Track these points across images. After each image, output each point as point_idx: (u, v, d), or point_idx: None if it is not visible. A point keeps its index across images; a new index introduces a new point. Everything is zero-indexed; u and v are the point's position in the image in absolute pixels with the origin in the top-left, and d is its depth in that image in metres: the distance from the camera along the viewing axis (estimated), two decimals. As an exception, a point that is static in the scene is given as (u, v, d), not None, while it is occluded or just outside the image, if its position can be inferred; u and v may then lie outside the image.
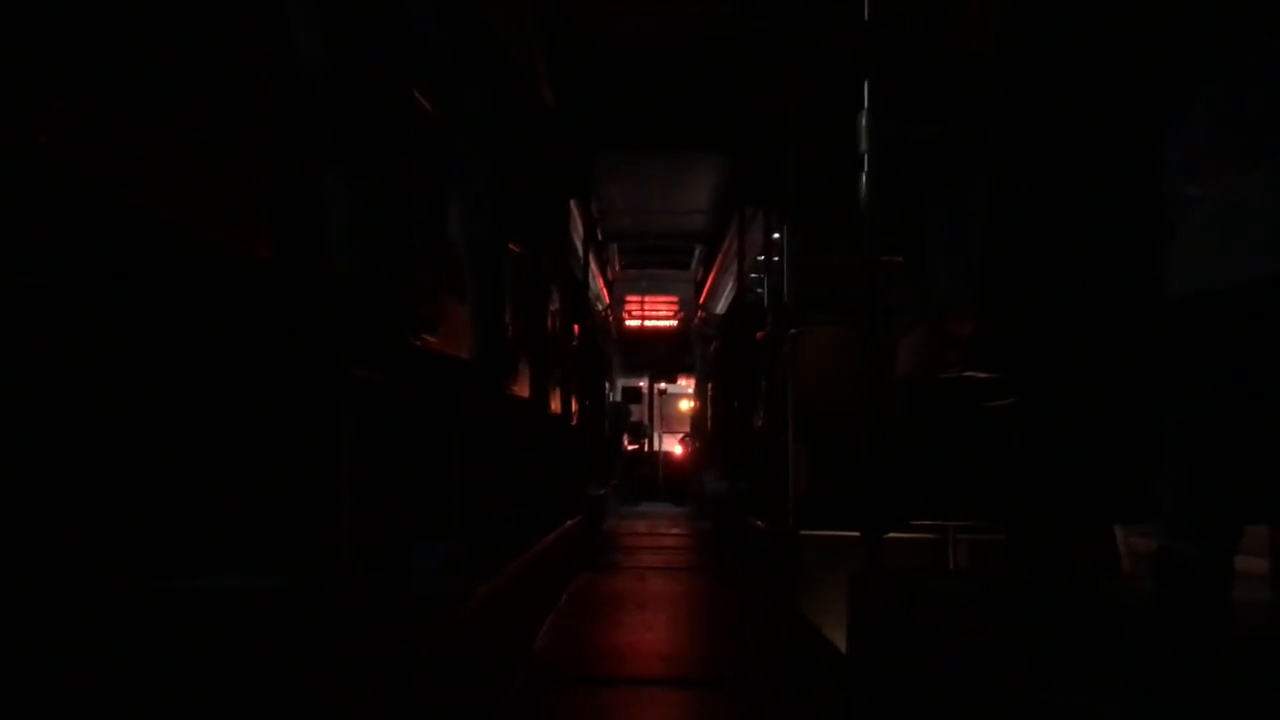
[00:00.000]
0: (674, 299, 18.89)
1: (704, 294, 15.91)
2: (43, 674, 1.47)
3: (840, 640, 3.61)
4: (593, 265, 11.35)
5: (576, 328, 7.33)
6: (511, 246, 4.08)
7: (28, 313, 1.44)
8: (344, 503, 2.28)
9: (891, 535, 3.48)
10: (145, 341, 1.80)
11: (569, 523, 5.56)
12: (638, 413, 18.80)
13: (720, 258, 13.19)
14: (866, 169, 3.42)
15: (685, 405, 19.39)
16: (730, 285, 13.04)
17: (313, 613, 2.12)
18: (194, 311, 1.88)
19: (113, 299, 1.62)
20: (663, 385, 20.07)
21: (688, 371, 18.78)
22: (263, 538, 2.75)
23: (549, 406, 5.11)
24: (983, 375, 2.78)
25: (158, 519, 2.07)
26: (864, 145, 3.43)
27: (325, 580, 2.18)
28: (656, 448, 19.01)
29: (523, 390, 4.30)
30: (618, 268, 16.70)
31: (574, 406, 6.70)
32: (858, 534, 3.36)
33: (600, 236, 13.07)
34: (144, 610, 2.12)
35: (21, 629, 1.52)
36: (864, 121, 3.44)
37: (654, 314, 19.36)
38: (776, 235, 6.56)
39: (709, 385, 11.83)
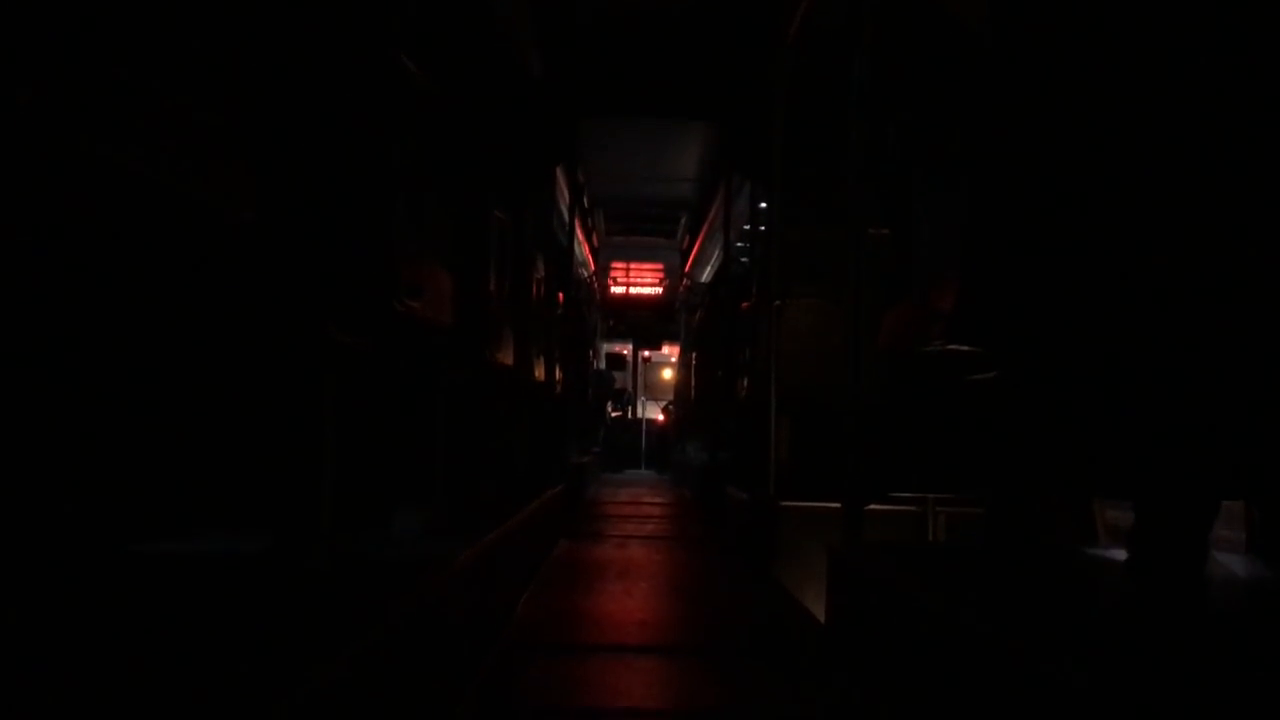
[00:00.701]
0: (659, 266, 18.87)
1: (689, 262, 15.89)
2: (25, 636, 1.47)
3: (819, 610, 3.64)
4: (578, 232, 11.31)
5: (561, 295, 7.31)
6: (496, 213, 4.06)
7: (8, 276, 1.43)
8: (327, 467, 2.27)
9: (872, 507, 3.50)
10: (129, 305, 1.79)
11: (551, 491, 5.58)
12: (621, 380, 18.82)
13: (706, 226, 13.17)
14: (854, 139, 3.41)
15: (669, 373, 19.40)
16: (716, 254, 13.03)
17: (295, 576, 2.13)
18: (178, 275, 1.87)
19: (96, 261, 1.61)
20: (647, 353, 20.09)
21: (672, 339, 18.78)
22: (246, 501, 2.75)
23: (533, 374, 5.11)
24: (965, 349, 2.79)
25: (141, 482, 2.06)
26: (852, 115, 3.42)
27: (308, 544, 2.18)
28: (640, 415, 19.04)
29: (506, 358, 4.30)
30: (604, 234, 16.67)
31: (558, 374, 6.70)
32: (838, 505, 3.38)
33: (586, 203, 13.02)
34: (128, 572, 2.13)
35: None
36: (853, 92, 3.43)
37: (639, 281, 19.34)
38: (763, 205, 6.54)
39: (693, 354, 11.83)
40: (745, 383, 6.47)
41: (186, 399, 2.18)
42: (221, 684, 1.32)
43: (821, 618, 3.56)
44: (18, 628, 1.54)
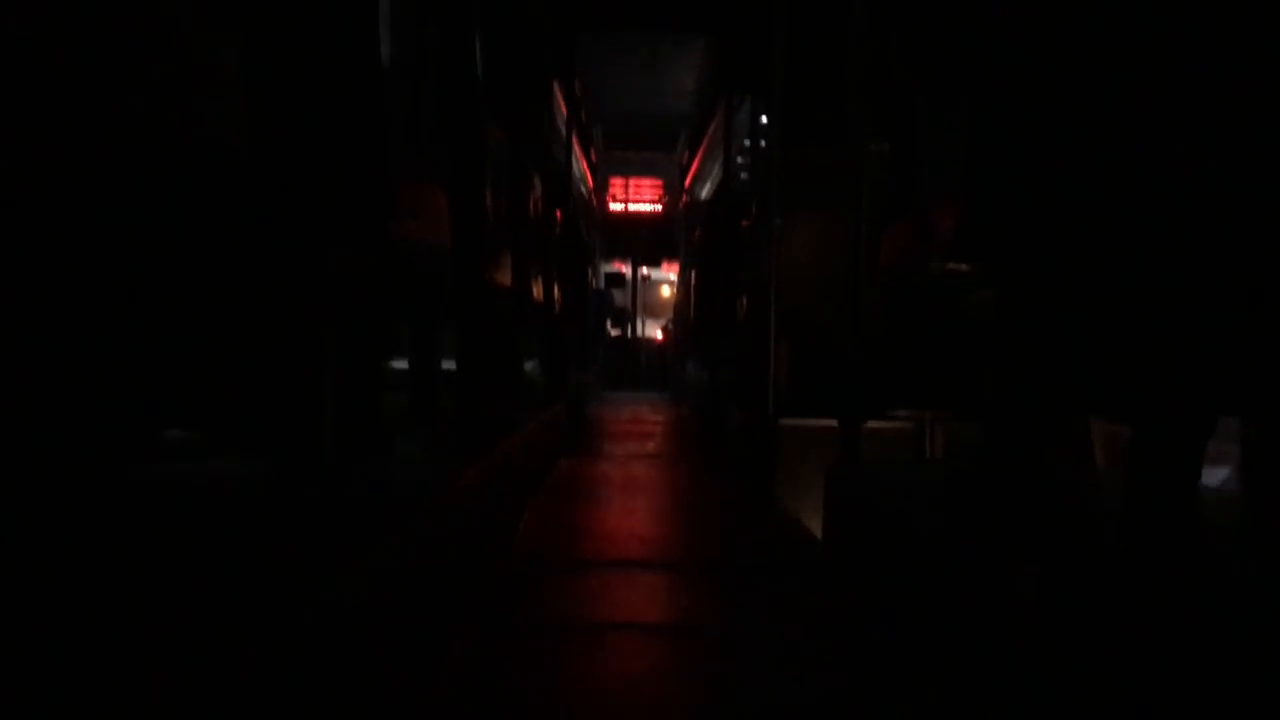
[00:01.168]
0: (659, 182, 18.72)
1: (689, 178, 15.74)
2: (19, 562, 1.49)
3: (817, 527, 3.69)
4: (576, 148, 11.17)
5: (559, 213, 7.26)
6: (492, 130, 4.01)
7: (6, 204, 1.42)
8: (327, 390, 2.28)
9: (870, 424, 3.52)
10: (127, 230, 1.77)
11: (551, 409, 5.61)
12: (620, 299, 18.79)
13: (706, 142, 13.01)
14: (855, 54, 3.35)
15: (668, 292, 19.37)
16: (716, 169, 12.88)
17: (298, 499, 2.15)
18: (174, 200, 1.85)
19: (93, 190, 1.59)
20: (646, 271, 20.01)
21: (672, 257, 18.70)
22: (248, 425, 2.75)
23: (531, 294, 5.10)
24: (964, 267, 2.78)
25: (140, 406, 2.07)
26: (854, 29, 3.36)
27: (309, 468, 2.20)
28: (639, 334, 19.07)
29: (504, 278, 4.28)
30: (602, 149, 16.49)
31: (556, 294, 6.69)
32: (836, 423, 3.40)
33: (584, 118, 12.85)
34: (127, 496, 2.15)
35: None
36: (855, 5, 3.36)
37: (638, 198, 19.20)
38: (764, 120, 6.46)
39: (692, 272, 11.80)
40: (745, 301, 6.46)
41: (185, 323, 2.18)
42: (219, 604, 1.34)
43: (819, 534, 3.61)
44: (25, 549, 1.56)
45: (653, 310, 19.62)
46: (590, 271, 14.34)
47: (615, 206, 19.15)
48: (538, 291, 5.52)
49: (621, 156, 17.67)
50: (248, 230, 2.05)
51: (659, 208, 19.07)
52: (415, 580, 2.04)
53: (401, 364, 3.73)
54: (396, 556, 1.86)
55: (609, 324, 17.11)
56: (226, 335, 2.25)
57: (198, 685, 1.04)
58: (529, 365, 5.76)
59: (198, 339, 2.13)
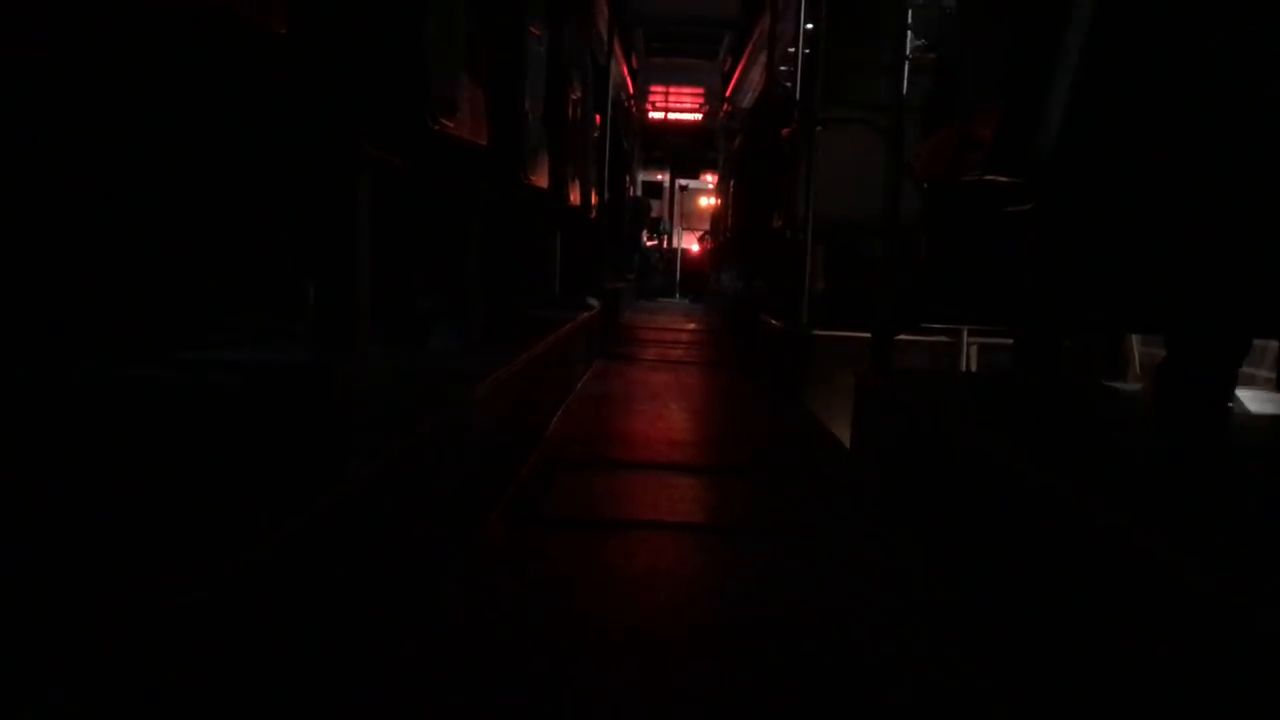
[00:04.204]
0: (699, 90, 18.39)
1: (731, 86, 15.46)
2: (53, 441, 1.54)
3: (846, 436, 3.73)
4: (617, 51, 10.97)
5: (598, 118, 7.18)
6: (532, 30, 3.95)
7: (36, 85, 1.43)
8: (363, 281, 2.31)
9: (905, 336, 3.53)
10: (163, 116, 1.79)
11: (586, 313, 5.63)
12: (657, 208, 18.66)
13: (749, 47, 12.75)
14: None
15: (705, 202, 19.20)
16: (759, 77, 12.63)
17: (335, 385, 2.20)
18: (210, 87, 1.87)
19: (127, 72, 1.61)
20: (684, 181, 19.82)
21: (710, 167, 18.48)
22: (286, 312, 2.79)
23: (568, 198, 5.08)
24: (1003, 179, 2.74)
25: (180, 293, 2.11)
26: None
27: (344, 356, 2.24)
28: (675, 244, 18.98)
29: (541, 180, 4.27)
30: (643, 54, 16.20)
31: (593, 199, 6.66)
32: (869, 335, 3.41)
33: (626, 21, 12.61)
34: (172, 380, 2.21)
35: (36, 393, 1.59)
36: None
37: (678, 106, 18.89)
38: (810, 26, 6.32)
39: (731, 182, 11.67)
40: (782, 211, 6.41)
41: (223, 212, 2.20)
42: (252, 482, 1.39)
43: (848, 443, 3.64)
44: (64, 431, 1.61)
45: (690, 220, 19.47)
46: (628, 179, 14.21)
47: (655, 115, 18.87)
48: (575, 196, 5.49)
49: (663, 63, 17.32)
50: (283, 118, 2.06)
51: (699, 117, 18.78)
52: (440, 474, 2.10)
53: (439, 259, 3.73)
54: (422, 449, 1.90)
55: (645, 233, 17.02)
56: (262, 224, 2.27)
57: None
58: (562, 267, 5.77)
59: (234, 227, 2.16)
